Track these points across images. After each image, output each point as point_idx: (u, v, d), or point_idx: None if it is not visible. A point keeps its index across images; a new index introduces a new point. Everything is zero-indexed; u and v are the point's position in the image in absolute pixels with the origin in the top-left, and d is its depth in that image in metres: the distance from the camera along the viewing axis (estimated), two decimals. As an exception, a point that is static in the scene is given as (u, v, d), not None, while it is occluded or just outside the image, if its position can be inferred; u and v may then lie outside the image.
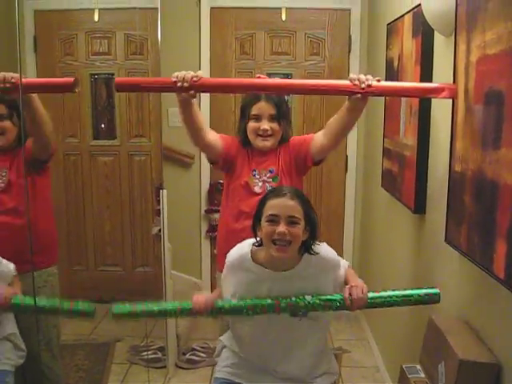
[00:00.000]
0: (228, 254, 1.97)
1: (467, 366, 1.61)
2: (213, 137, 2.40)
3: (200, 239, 4.26)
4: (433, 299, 1.89)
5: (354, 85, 1.97)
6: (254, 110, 2.36)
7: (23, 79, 2.03)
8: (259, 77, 2.41)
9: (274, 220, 1.79)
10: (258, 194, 2.26)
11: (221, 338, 2.14)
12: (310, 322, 1.89)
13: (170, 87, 2.03)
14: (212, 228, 4.16)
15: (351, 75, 2.00)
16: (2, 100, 2.33)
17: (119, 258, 4.35)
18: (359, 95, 1.98)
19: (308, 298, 1.82)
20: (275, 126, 2.35)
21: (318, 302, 1.82)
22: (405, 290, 1.92)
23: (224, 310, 1.88)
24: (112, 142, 4.25)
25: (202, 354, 3.45)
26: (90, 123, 4.23)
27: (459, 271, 1.97)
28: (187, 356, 3.44)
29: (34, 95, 2.20)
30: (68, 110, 4.18)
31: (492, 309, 1.70)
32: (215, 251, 4.11)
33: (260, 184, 2.35)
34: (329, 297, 1.84)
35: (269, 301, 1.82)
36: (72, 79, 2.09)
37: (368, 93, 1.98)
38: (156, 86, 2.22)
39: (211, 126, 4.04)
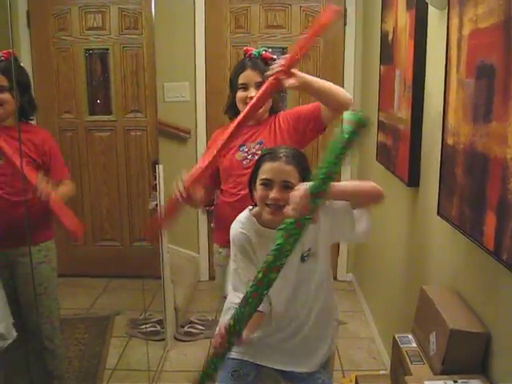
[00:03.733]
0: (232, 233, 1.90)
1: (457, 336, 1.64)
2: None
3: (197, 213, 4.27)
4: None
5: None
6: (241, 79, 2.31)
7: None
8: (247, 50, 2.40)
9: (267, 184, 1.77)
10: (248, 168, 2.21)
11: None
12: (311, 260, 1.85)
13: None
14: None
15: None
16: (3, 71, 2.29)
17: (117, 233, 4.39)
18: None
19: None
20: None
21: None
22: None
23: (238, 323, 1.64)
24: (108, 118, 4.26)
25: (200, 327, 3.50)
26: (85, 99, 4.24)
27: (451, 243, 1.99)
28: (185, 329, 3.49)
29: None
30: (63, 85, 4.18)
31: (482, 280, 1.73)
32: (212, 225, 4.15)
33: (249, 157, 2.30)
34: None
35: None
36: None
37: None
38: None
39: (207, 102, 4.11)
